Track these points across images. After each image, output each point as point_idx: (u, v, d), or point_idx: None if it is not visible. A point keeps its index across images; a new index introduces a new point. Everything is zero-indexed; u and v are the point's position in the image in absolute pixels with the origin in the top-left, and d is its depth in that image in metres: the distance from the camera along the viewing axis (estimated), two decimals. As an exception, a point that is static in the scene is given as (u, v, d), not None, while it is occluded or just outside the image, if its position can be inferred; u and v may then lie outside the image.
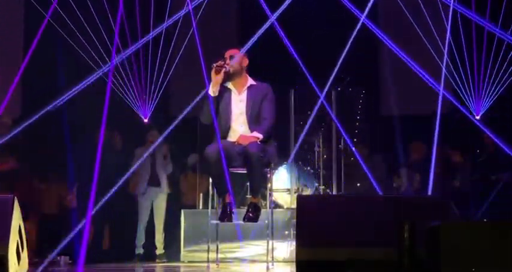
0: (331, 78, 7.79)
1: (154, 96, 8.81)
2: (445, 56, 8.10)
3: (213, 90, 5.73)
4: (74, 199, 8.76)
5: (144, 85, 8.78)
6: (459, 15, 8.00)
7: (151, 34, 8.13)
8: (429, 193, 8.18)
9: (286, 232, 7.36)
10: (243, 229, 7.27)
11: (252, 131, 5.67)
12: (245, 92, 5.81)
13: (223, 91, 5.80)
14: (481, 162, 8.79)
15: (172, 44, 8.76)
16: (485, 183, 8.58)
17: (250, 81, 5.85)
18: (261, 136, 5.62)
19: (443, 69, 8.11)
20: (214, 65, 5.70)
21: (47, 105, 8.81)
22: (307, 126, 8.22)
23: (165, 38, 8.95)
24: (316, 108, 7.40)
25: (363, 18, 7.71)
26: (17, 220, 4.61)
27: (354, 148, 8.03)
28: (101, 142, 8.34)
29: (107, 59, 8.69)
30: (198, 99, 6.39)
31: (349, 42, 8.15)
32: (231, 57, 5.78)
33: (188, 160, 9.10)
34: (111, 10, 8.64)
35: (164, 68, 8.89)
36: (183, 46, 8.73)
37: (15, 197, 4.64)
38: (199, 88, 6.61)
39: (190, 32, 8.02)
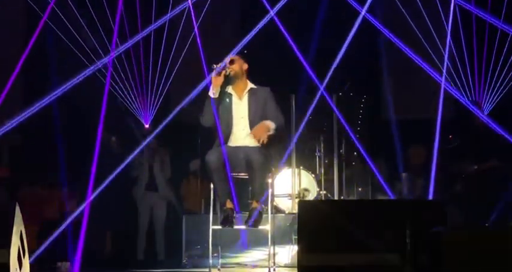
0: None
1: (156, 101, 8.80)
2: (446, 59, 8.09)
3: (213, 92, 5.74)
4: (75, 205, 8.75)
5: (143, 90, 8.78)
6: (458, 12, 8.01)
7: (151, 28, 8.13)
8: (430, 197, 8.19)
9: (289, 238, 7.34)
10: (245, 234, 7.25)
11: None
12: (246, 96, 5.82)
13: (224, 95, 5.80)
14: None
15: (174, 46, 8.77)
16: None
17: (251, 85, 5.87)
18: (273, 125, 5.62)
19: (444, 71, 8.11)
20: (215, 66, 5.72)
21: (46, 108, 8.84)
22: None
23: (166, 40, 8.96)
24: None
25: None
26: (18, 226, 4.61)
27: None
28: (97, 147, 8.38)
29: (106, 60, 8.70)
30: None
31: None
32: (232, 61, 5.79)
33: (190, 165, 9.08)
34: (111, 11, 8.67)
35: (165, 71, 8.89)
36: (185, 49, 8.75)
37: (17, 203, 4.64)
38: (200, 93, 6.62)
39: (192, 32, 8.05)
